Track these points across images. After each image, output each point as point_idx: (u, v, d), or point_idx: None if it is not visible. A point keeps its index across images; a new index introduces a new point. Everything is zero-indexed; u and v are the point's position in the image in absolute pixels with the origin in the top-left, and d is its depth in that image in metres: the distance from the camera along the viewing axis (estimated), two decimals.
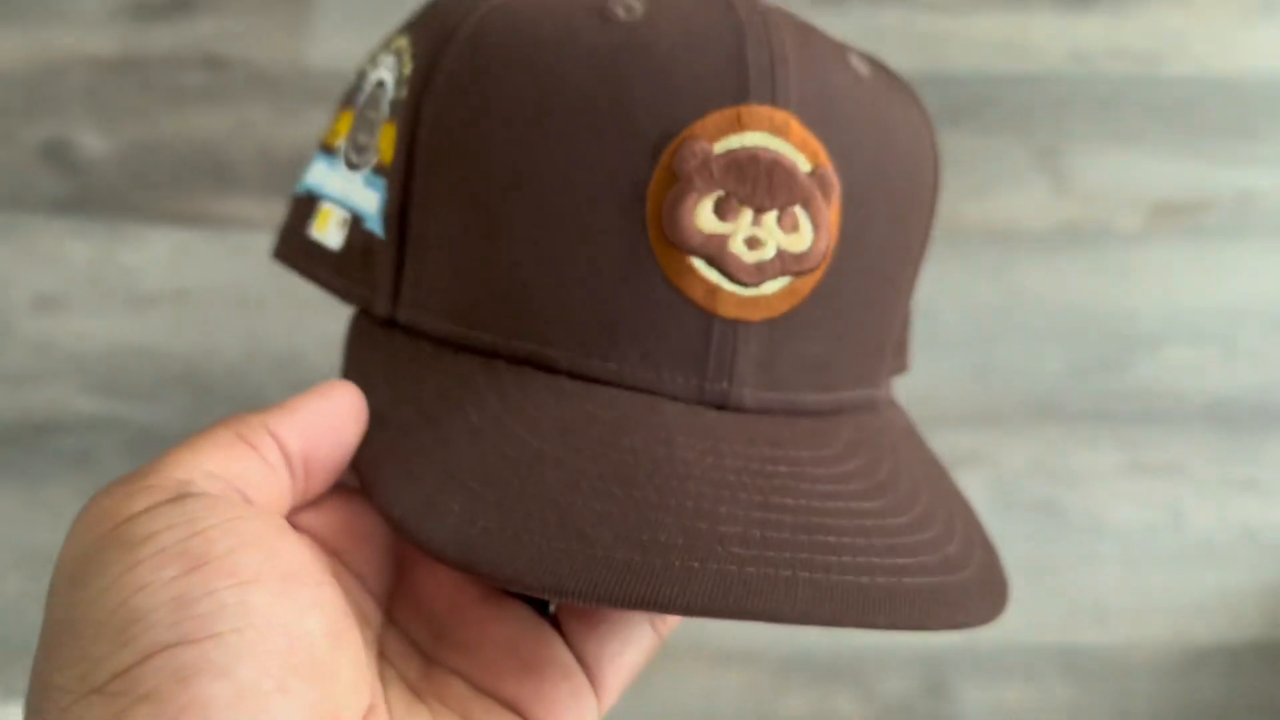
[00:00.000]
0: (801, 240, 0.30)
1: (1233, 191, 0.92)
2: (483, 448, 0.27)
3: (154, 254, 0.85)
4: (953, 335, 0.84)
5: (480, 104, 0.29)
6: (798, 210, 0.29)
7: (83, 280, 0.84)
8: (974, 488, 0.78)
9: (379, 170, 0.32)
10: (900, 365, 0.40)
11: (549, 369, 0.29)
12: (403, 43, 0.34)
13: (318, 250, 0.34)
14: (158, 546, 0.23)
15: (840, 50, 0.33)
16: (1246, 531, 0.78)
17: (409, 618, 0.29)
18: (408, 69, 0.32)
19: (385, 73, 0.33)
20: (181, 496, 0.24)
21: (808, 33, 0.32)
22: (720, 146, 0.28)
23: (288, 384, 0.80)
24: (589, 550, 0.24)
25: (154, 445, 0.77)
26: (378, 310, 0.32)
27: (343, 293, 0.33)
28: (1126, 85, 0.96)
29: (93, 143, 0.90)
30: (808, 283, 0.30)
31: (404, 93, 0.31)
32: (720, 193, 0.28)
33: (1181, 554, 0.77)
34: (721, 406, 0.30)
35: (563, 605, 0.30)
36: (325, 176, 0.35)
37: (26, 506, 0.75)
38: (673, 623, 0.31)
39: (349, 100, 0.36)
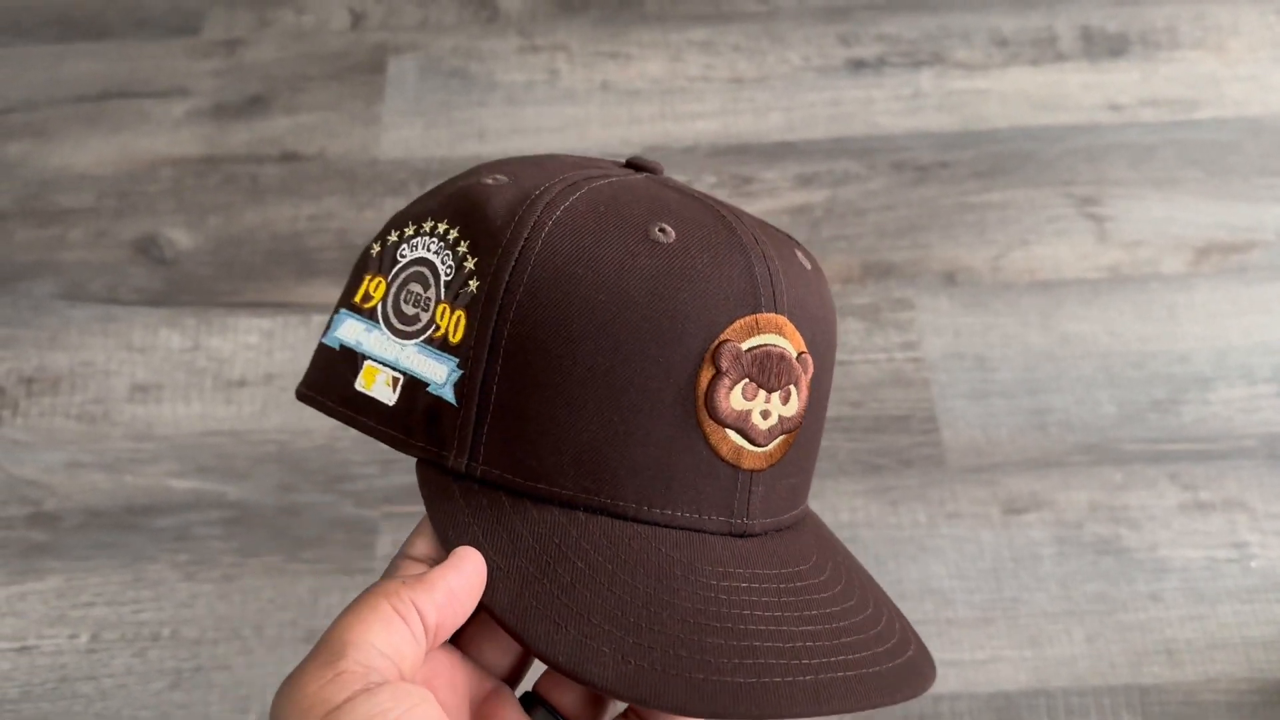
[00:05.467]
0: (792, 408, 0.40)
1: (1275, 229, 0.93)
2: (600, 593, 0.36)
3: (242, 340, 0.90)
4: (1007, 385, 0.86)
5: (562, 314, 0.37)
6: (791, 387, 0.39)
7: (176, 368, 0.89)
8: (1037, 531, 0.80)
9: (445, 347, 0.39)
10: None
11: (618, 515, 0.38)
12: (441, 228, 0.40)
13: (365, 402, 0.40)
14: None
15: (791, 248, 0.42)
16: None
17: None
18: (469, 264, 0.39)
19: (429, 255, 0.40)
20: (369, 690, 0.31)
21: (776, 239, 0.41)
22: (745, 345, 0.38)
23: (373, 459, 0.84)
24: (721, 679, 0.34)
25: (249, 522, 0.82)
26: (450, 464, 0.39)
27: (389, 440, 0.40)
28: (1163, 132, 0.99)
29: (181, 237, 0.96)
30: (792, 436, 0.40)
31: (474, 289, 0.38)
32: (746, 380, 0.38)
33: (1248, 589, 0.78)
34: (741, 535, 0.39)
35: None
36: (362, 337, 0.41)
37: (131, 586, 0.80)
38: None
39: (376, 268, 0.42)
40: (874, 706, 0.36)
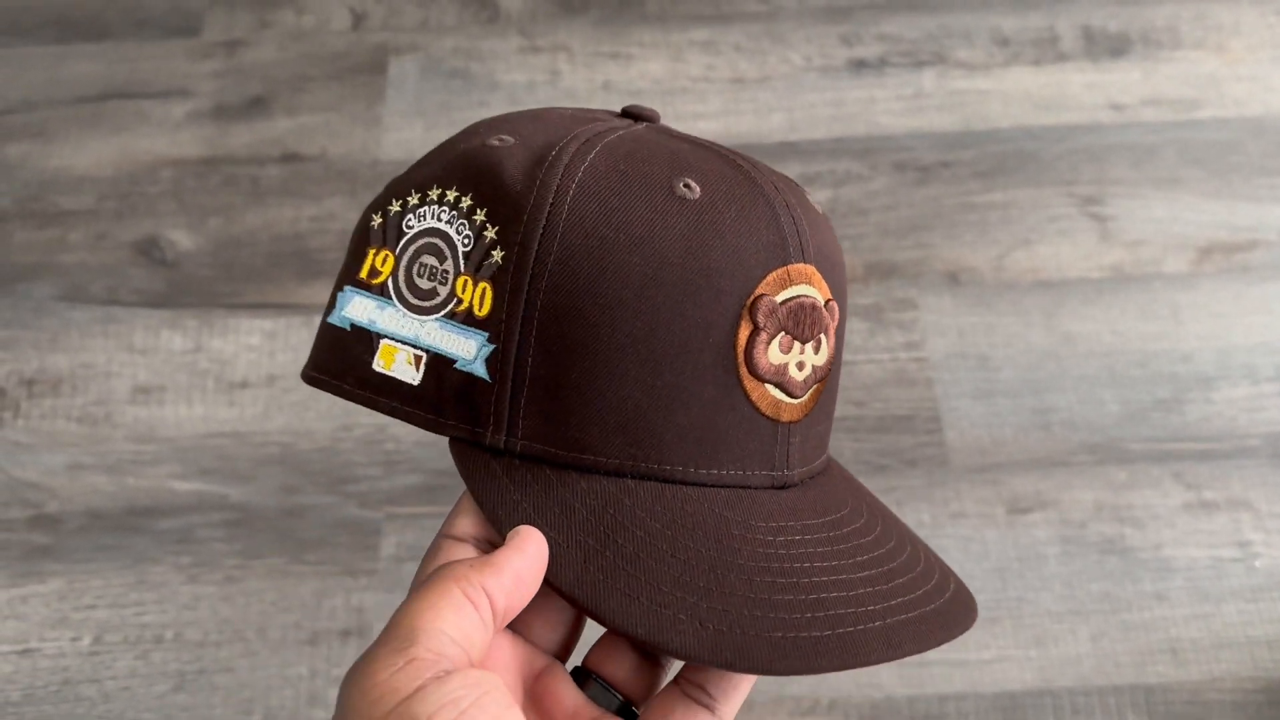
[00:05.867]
0: (823, 356, 0.40)
1: (1277, 229, 0.93)
2: (664, 560, 0.35)
3: (244, 341, 0.90)
4: (1010, 384, 0.86)
5: (597, 280, 0.36)
6: (821, 336, 0.39)
7: (177, 369, 0.89)
8: (1041, 531, 0.80)
9: (470, 321, 0.37)
10: None
11: (666, 480, 0.37)
12: (451, 196, 0.39)
13: (385, 383, 0.39)
14: None
15: (803, 193, 0.41)
16: None
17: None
18: (490, 233, 0.37)
19: (441, 225, 0.38)
20: (440, 677, 0.30)
21: (791, 186, 0.41)
22: (779, 298, 0.38)
23: (376, 460, 0.83)
24: (798, 634, 0.34)
25: (252, 524, 0.81)
26: (488, 441, 0.37)
27: (418, 421, 0.38)
28: (1165, 131, 0.99)
29: (182, 239, 0.96)
30: (823, 385, 0.40)
31: (498, 259, 0.37)
32: (782, 334, 0.38)
33: (1253, 588, 0.78)
34: (783, 486, 0.39)
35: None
36: (375, 314, 0.39)
37: (134, 588, 0.79)
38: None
39: (380, 240, 0.40)
40: (938, 645, 0.36)
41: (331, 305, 0.41)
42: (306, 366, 0.42)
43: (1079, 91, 1.02)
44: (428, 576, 0.34)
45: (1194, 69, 1.03)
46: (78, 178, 0.99)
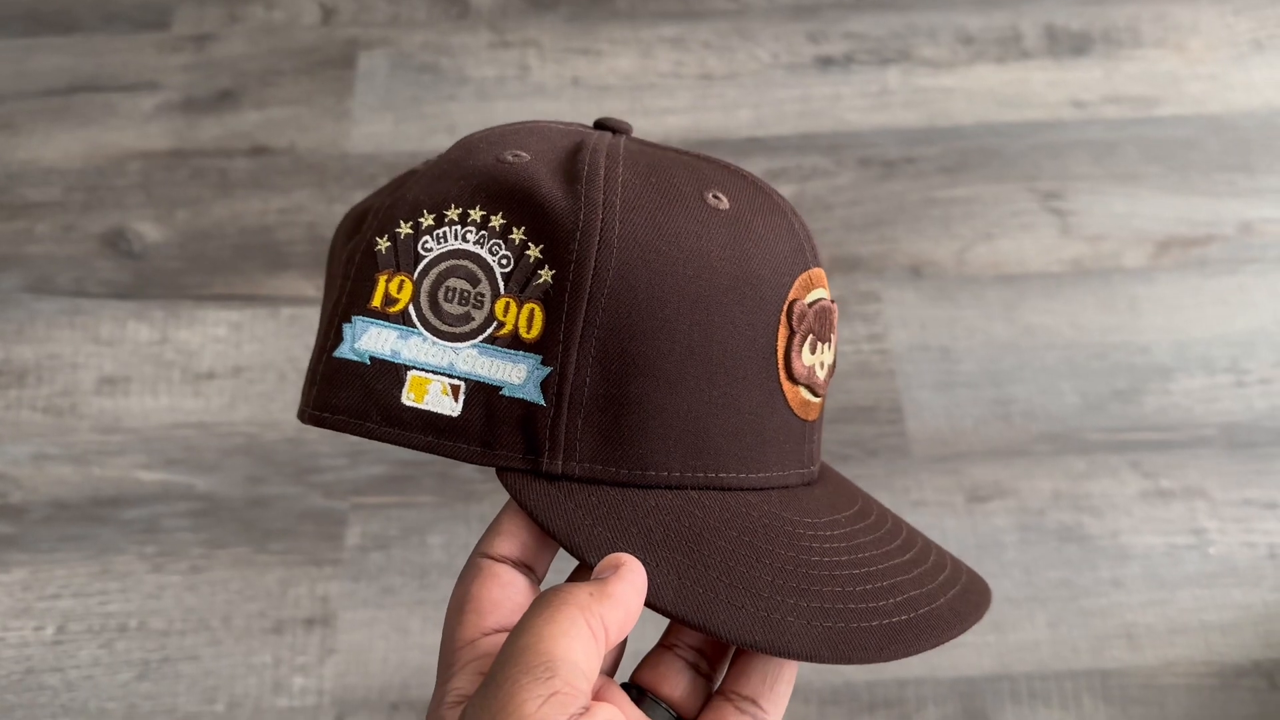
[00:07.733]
0: (832, 353, 0.41)
1: (1234, 224, 0.95)
2: (754, 567, 0.35)
3: (210, 332, 0.90)
4: (971, 376, 0.87)
5: (656, 294, 0.36)
6: (832, 334, 0.41)
7: (144, 360, 0.89)
8: (1000, 519, 0.81)
9: (517, 344, 0.36)
10: None
11: (723, 488, 0.37)
12: (477, 216, 0.37)
13: (417, 417, 0.36)
14: None
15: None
16: (1271, 551, 0.80)
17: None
18: (533, 252, 0.36)
19: (469, 246, 0.37)
20: (582, 715, 0.30)
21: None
22: (807, 300, 0.39)
23: (341, 451, 0.84)
24: (891, 621, 0.35)
25: (218, 513, 0.81)
26: (544, 469, 0.36)
27: (461, 455, 0.37)
28: (1125, 128, 1.01)
29: (149, 231, 0.96)
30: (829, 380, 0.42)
31: (548, 279, 0.36)
32: (810, 335, 0.39)
33: (1207, 575, 0.80)
34: (809, 483, 0.40)
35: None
36: (398, 345, 0.37)
37: (98, 578, 0.79)
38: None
39: (393, 265, 0.37)
40: (980, 618, 0.37)
41: (337, 338, 0.38)
42: (307, 406, 0.39)
43: (1041, 89, 1.03)
44: (545, 598, 0.33)
45: (1154, 67, 1.04)
46: (45, 170, 0.99)
